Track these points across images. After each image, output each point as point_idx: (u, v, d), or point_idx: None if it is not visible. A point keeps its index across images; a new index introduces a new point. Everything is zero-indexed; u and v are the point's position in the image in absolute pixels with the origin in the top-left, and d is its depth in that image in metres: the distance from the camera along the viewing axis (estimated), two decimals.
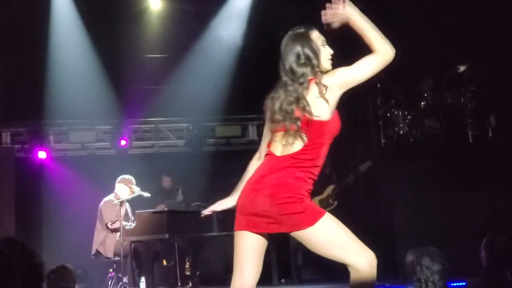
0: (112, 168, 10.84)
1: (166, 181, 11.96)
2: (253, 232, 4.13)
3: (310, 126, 4.10)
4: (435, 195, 10.56)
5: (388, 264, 9.82)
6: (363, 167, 10.75)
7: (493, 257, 5.29)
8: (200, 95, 12.76)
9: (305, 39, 4.27)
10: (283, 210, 4.00)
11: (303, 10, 13.12)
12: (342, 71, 4.17)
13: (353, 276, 4.01)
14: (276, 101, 4.26)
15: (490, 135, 11.99)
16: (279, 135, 4.24)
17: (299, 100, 4.15)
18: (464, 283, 5.71)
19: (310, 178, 4.13)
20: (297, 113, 4.14)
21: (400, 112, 12.14)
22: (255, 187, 4.13)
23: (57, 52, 12.36)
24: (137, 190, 9.81)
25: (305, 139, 4.11)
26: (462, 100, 12.13)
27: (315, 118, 4.09)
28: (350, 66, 4.15)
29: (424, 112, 11.96)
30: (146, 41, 12.98)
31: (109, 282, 9.72)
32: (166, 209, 9.72)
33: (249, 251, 4.16)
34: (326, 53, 4.30)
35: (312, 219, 4.00)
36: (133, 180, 9.93)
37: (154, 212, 9.46)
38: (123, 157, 12.50)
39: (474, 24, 11.74)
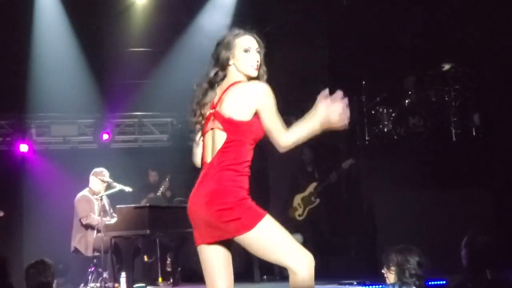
0: (94, 162, 10.77)
1: (152, 176, 11.88)
2: (207, 244, 4.08)
3: (225, 123, 4.10)
4: (418, 193, 10.56)
5: (370, 261, 9.83)
6: (345, 165, 10.74)
7: (474, 256, 5.28)
8: (185, 90, 12.68)
9: (224, 46, 4.28)
10: (221, 218, 3.97)
11: (288, 3, 13.20)
12: (269, 106, 4.14)
13: (292, 279, 3.97)
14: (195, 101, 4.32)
15: (474, 133, 12.01)
16: (205, 138, 4.24)
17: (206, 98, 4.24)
18: (444, 282, 5.69)
19: (241, 175, 4.08)
20: (209, 110, 4.22)
21: (385, 110, 12.14)
22: (193, 200, 4.08)
23: (40, 45, 12.27)
24: (119, 185, 9.76)
25: (224, 136, 4.10)
26: (446, 98, 12.14)
27: (227, 117, 4.10)
28: (271, 114, 4.14)
29: (408, 110, 11.96)
30: (130, 35, 12.91)
31: (90, 277, 9.66)
32: (147, 204, 9.65)
33: (213, 263, 4.14)
34: (249, 60, 4.24)
35: (250, 224, 3.96)
36: (104, 173, 9.89)
37: (135, 207, 9.40)
38: (105, 151, 12.43)
39: (459, 23, 11.76)
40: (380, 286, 5.83)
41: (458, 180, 10.64)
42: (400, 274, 5.47)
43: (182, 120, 12.88)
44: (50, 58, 12.23)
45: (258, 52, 4.28)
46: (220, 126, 4.12)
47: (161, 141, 13.14)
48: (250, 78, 4.24)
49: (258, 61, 4.25)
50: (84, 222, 9.60)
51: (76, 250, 9.72)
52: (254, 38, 4.30)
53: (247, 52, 4.24)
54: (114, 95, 12.41)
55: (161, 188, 11.60)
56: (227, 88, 4.20)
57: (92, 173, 9.96)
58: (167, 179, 11.65)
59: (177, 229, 9.76)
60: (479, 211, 9.82)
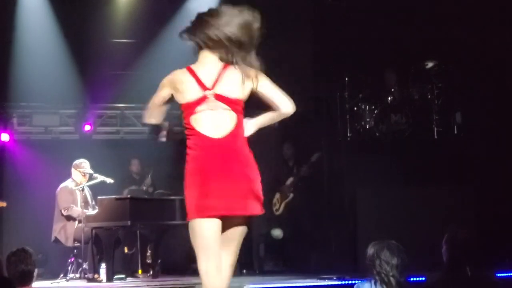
0: (76, 153, 10.73)
1: (134, 165, 11.72)
2: (227, 216, 4.35)
3: (232, 104, 4.42)
4: (399, 189, 10.61)
5: (350, 256, 9.87)
6: (313, 158, 10.78)
7: (454, 252, 5.31)
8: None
9: None
10: (259, 191, 4.39)
11: None
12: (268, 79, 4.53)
13: None
14: None
15: (456, 131, 12.06)
16: (202, 116, 4.54)
17: None
18: (423, 278, 5.72)
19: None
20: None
21: (367, 107, 12.17)
22: (230, 167, 4.38)
23: (23, 34, 12.19)
24: (100, 176, 9.74)
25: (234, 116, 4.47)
26: (429, 96, 12.18)
27: (233, 98, 4.40)
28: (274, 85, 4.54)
29: (391, 107, 11.99)
30: (114, 25, 12.85)
31: (69, 268, 9.64)
32: (128, 195, 9.62)
33: (219, 237, 4.36)
34: None
35: (261, 208, 4.30)
36: (84, 164, 9.85)
37: (116, 199, 9.39)
38: (87, 142, 12.37)
39: (442, 20, 11.81)
40: (360, 281, 5.84)
41: (439, 177, 10.69)
42: (371, 268, 5.50)
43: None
44: (32, 47, 12.15)
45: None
46: (226, 106, 4.31)
47: (143, 133, 13.08)
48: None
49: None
50: (64, 214, 9.57)
51: (57, 240, 9.70)
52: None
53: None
54: (96, 86, 12.35)
55: (143, 186, 11.54)
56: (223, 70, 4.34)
57: (72, 165, 9.93)
58: (149, 176, 11.56)
59: (158, 221, 9.77)
60: (460, 207, 9.87)
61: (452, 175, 10.82)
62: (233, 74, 4.35)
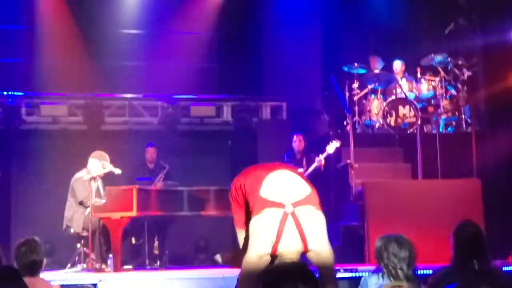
0: (84, 144, 10.74)
1: (149, 152, 11.46)
2: None
3: None
4: (408, 182, 10.60)
5: (358, 250, 9.86)
6: (330, 149, 10.69)
7: (461, 246, 5.30)
8: (176, 73, 12.72)
9: None
10: None
11: None
12: None
13: None
14: None
15: (464, 125, 12.06)
16: None
17: None
18: (430, 271, 5.71)
19: None
20: None
21: (376, 99, 12.17)
22: None
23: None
24: (109, 167, 9.72)
25: None
26: (437, 89, 12.18)
27: None
28: None
29: (399, 100, 11.98)
30: (123, 16, 12.88)
31: (76, 258, 9.65)
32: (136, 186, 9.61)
33: None
34: None
35: None
36: (107, 157, 9.81)
37: (124, 189, 9.38)
38: (95, 132, 12.37)
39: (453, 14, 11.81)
40: (367, 273, 5.84)
41: (447, 171, 10.68)
42: (379, 261, 5.50)
43: (173, 104, 12.85)
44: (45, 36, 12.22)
45: None
46: None
47: (151, 124, 13.10)
48: None
49: None
50: (87, 205, 9.52)
51: (68, 228, 9.70)
52: None
53: None
54: (105, 76, 12.37)
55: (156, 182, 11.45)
56: None
57: (93, 155, 9.82)
58: (162, 174, 11.28)
59: (165, 211, 9.76)
60: (469, 201, 9.84)
61: (461, 169, 10.81)
62: None
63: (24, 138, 12.42)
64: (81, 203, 9.59)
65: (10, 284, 4.45)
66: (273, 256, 5.13)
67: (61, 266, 9.85)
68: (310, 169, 10.77)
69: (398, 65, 12.42)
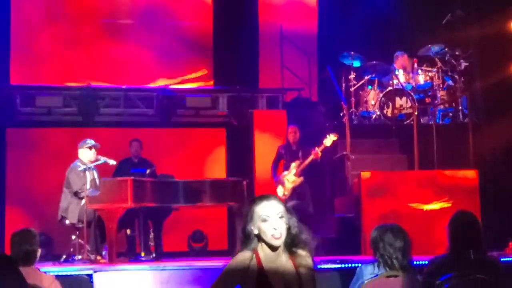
0: (78, 134, 10.71)
1: (134, 147, 11.30)
2: None
3: None
4: (404, 173, 10.59)
5: (354, 240, 9.84)
6: (327, 142, 10.66)
7: (457, 236, 5.28)
8: (171, 62, 12.73)
9: (247, 215, 4.06)
10: None
11: None
12: None
13: None
14: None
15: (461, 116, 12.04)
16: None
17: None
18: (426, 262, 5.69)
19: None
20: None
21: (372, 90, 12.15)
22: None
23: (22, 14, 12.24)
24: (103, 157, 9.70)
25: None
26: (434, 80, 12.16)
27: None
28: None
29: (396, 91, 11.96)
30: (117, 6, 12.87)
31: (71, 249, 9.63)
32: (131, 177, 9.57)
33: None
34: (268, 229, 4.00)
35: None
36: (88, 141, 9.78)
37: (119, 180, 9.35)
38: (90, 123, 12.33)
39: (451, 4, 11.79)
40: (363, 264, 5.82)
41: (444, 161, 10.68)
42: (374, 251, 5.49)
43: (168, 95, 12.82)
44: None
45: (281, 217, 4.01)
46: None
47: (146, 115, 13.06)
48: (276, 247, 4.03)
49: (277, 228, 3.98)
50: (81, 195, 9.49)
51: (63, 219, 9.68)
52: (272, 203, 4.03)
53: (265, 221, 3.98)
54: (99, 66, 12.35)
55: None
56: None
57: (80, 145, 9.86)
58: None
59: (161, 203, 9.74)
60: (466, 192, 9.84)
61: (457, 159, 10.80)
62: None
63: (19, 129, 12.39)
64: (75, 193, 9.55)
65: (6, 271, 4.42)
66: None
67: (57, 257, 9.82)
68: (307, 162, 10.74)
69: (403, 58, 12.35)
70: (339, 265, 8.09)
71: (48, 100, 12.41)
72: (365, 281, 5.41)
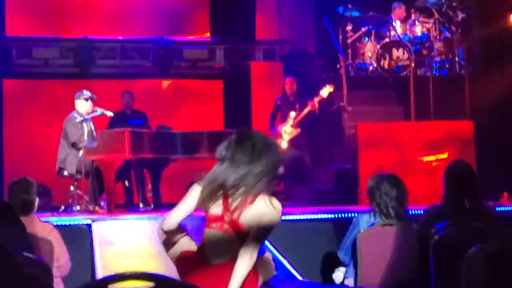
0: (75, 86, 10.69)
1: (125, 98, 11.18)
2: None
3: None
4: (399, 124, 10.61)
5: (350, 191, 9.91)
6: (323, 93, 10.68)
7: (453, 185, 5.33)
8: (167, 14, 12.67)
9: None
10: None
11: None
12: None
13: None
14: None
15: (457, 67, 12.03)
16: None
17: None
18: (422, 211, 5.75)
19: None
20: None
21: (369, 41, 12.11)
22: None
23: None
24: (100, 109, 9.71)
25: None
26: (431, 31, 12.12)
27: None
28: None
29: (393, 43, 11.92)
30: None
31: (70, 200, 9.69)
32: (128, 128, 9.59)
33: None
34: None
35: None
36: (85, 91, 9.79)
37: (116, 131, 9.37)
38: (87, 75, 12.31)
39: None
40: (359, 213, 5.88)
41: (440, 113, 10.69)
42: (371, 200, 5.55)
43: (165, 47, 12.77)
44: None
45: None
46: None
47: (143, 67, 13.02)
48: None
49: None
50: (78, 146, 9.52)
51: (61, 170, 9.71)
52: None
53: None
54: (95, 17, 12.28)
55: None
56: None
57: (77, 96, 9.85)
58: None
59: (158, 154, 9.77)
60: (462, 143, 9.88)
61: (453, 111, 10.83)
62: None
63: (16, 81, 12.36)
64: (73, 144, 9.58)
65: (6, 218, 4.47)
66: None
67: (55, 208, 9.88)
68: (304, 113, 10.77)
69: (401, 9, 12.29)
70: (335, 215, 8.17)
71: (45, 51, 12.36)
72: (361, 230, 5.48)
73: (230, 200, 4.08)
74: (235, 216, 4.06)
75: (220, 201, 4.11)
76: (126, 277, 2.51)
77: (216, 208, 4.12)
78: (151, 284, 2.53)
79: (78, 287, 2.64)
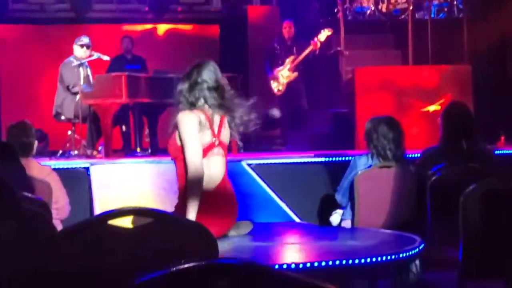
0: (72, 31, 10.63)
1: (125, 42, 11.14)
2: None
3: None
4: (396, 68, 10.59)
5: (347, 134, 9.92)
6: (321, 37, 10.62)
7: (450, 126, 5.34)
8: None
9: None
10: None
11: None
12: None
13: None
14: None
15: (456, 11, 11.95)
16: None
17: None
18: (419, 154, 5.77)
19: None
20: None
21: None
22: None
23: None
24: (96, 53, 9.68)
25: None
26: None
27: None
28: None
29: None
30: None
31: (68, 145, 9.70)
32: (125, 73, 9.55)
33: None
34: None
35: None
36: (83, 38, 9.75)
37: (113, 76, 9.34)
38: (83, 20, 12.21)
39: None
40: (357, 156, 5.90)
41: (438, 57, 10.66)
42: (368, 142, 5.56)
43: None
44: None
45: None
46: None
47: (140, 11, 12.91)
48: None
49: None
50: (73, 91, 9.52)
51: (57, 114, 9.72)
52: None
53: None
54: None
55: None
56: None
57: (76, 41, 9.81)
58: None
59: (156, 99, 9.75)
60: (459, 87, 9.87)
61: (451, 55, 10.79)
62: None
63: (12, 26, 12.27)
64: (68, 88, 9.57)
65: (7, 160, 4.49)
66: None
67: (53, 153, 9.89)
68: (304, 54, 10.72)
69: None
70: (332, 159, 8.20)
71: None
72: (359, 172, 5.50)
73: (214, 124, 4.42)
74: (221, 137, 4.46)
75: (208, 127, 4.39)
76: (125, 212, 2.54)
77: (207, 137, 4.39)
78: (150, 219, 2.56)
79: (78, 222, 2.66)
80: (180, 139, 4.33)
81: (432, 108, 9.68)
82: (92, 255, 2.60)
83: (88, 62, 9.74)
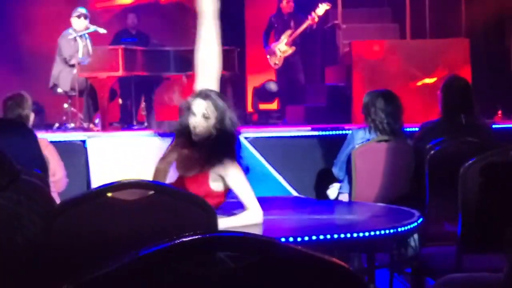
0: (70, 4, 10.57)
1: (130, 18, 11.09)
2: None
3: None
4: (395, 42, 10.55)
5: (347, 109, 9.90)
6: (319, 11, 10.58)
7: (449, 100, 5.33)
8: None
9: None
10: None
11: None
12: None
13: None
14: None
15: None
16: None
17: None
18: (418, 129, 5.76)
19: None
20: None
21: None
22: None
23: None
24: (93, 26, 9.65)
25: None
26: None
27: None
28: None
29: None
30: None
31: (64, 117, 9.69)
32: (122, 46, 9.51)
33: None
34: None
35: None
36: (79, 9, 9.71)
37: (110, 48, 9.32)
38: None
39: None
40: (354, 129, 5.89)
41: (436, 30, 10.62)
42: (366, 116, 5.55)
43: None
44: None
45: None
46: None
47: None
48: None
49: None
50: (70, 62, 9.49)
51: (54, 86, 9.70)
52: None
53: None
54: None
55: None
56: None
57: (74, 13, 9.78)
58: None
59: (152, 72, 9.74)
60: (457, 61, 9.85)
61: (449, 28, 10.75)
62: None
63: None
64: (65, 60, 9.54)
65: (19, 133, 4.44)
66: None
67: (50, 126, 9.87)
68: (301, 28, 10.69)
69: None
70: (329, 133, 8.19)
71: None
72: (356, 146, 5.48)
73: None
74: None
75: None
76: (125, 185, 2.53)
77: None
78: (151, 192, 2.55)
79: (77, 195, 2.64)
80: (225, 185, 3.96)
81: (429, 81, 9.66)
82: (91, 228, 2.59)
83: (89, 34, 9.71)
